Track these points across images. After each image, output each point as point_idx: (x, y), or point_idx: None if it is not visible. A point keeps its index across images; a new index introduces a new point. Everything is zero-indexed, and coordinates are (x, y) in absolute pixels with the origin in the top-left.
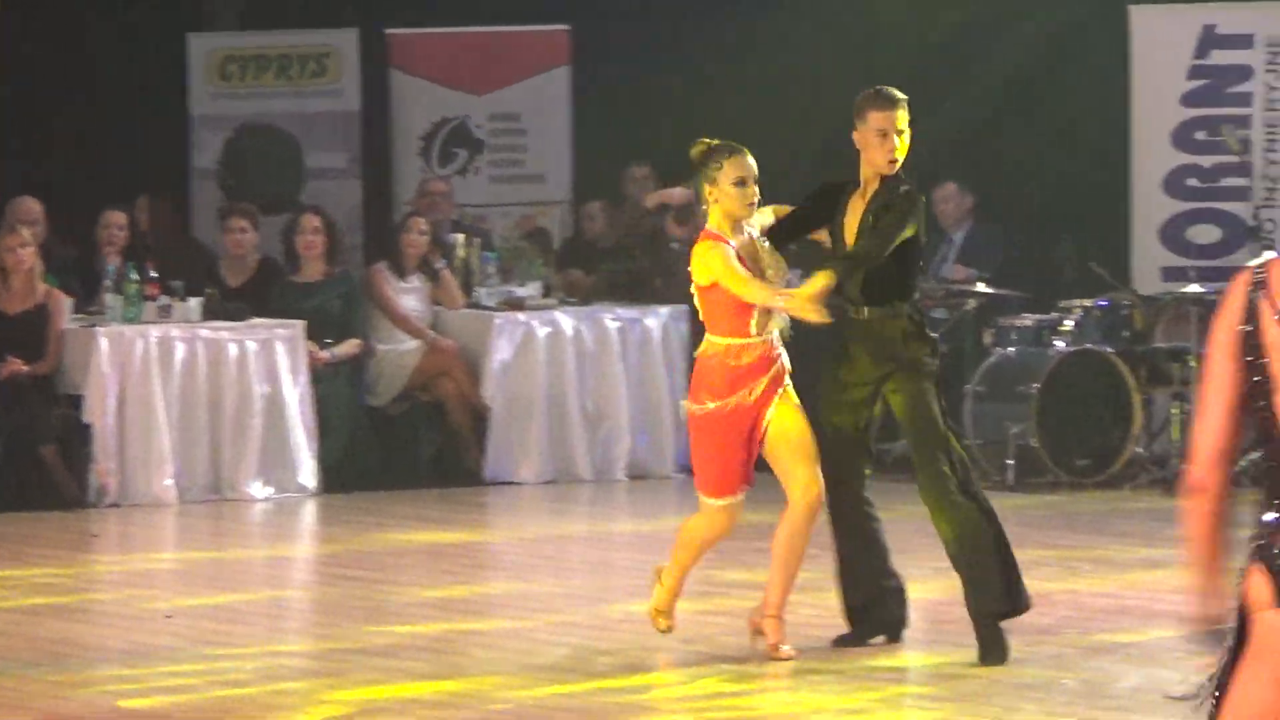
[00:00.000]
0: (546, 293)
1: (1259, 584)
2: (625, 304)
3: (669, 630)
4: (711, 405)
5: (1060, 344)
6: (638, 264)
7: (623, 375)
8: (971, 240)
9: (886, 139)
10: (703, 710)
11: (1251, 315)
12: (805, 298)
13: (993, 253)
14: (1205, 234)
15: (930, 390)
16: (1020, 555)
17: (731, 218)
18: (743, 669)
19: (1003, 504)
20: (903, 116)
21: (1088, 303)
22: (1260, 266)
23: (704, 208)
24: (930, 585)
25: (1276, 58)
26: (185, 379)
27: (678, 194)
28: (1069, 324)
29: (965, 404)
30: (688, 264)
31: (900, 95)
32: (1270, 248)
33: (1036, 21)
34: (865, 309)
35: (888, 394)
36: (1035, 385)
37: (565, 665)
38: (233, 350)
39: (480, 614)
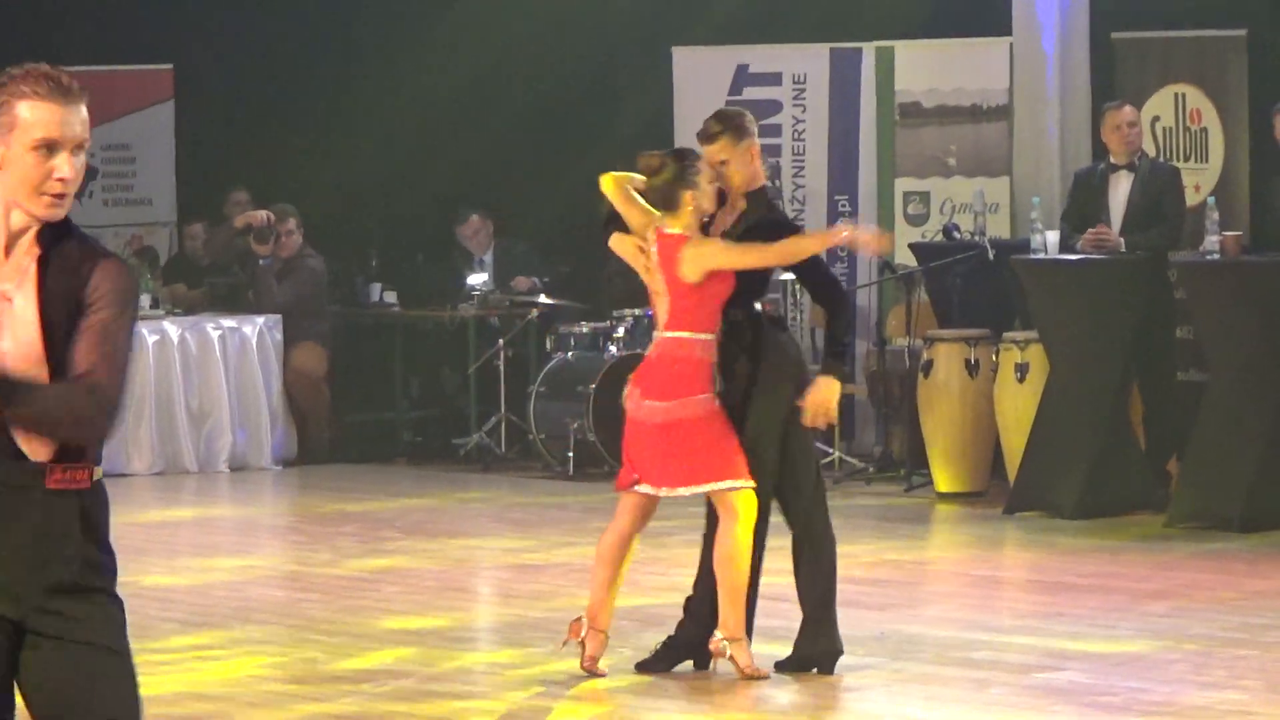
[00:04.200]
0: (155, 304)
1: None
2: (225, 314)
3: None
4: (706, 396)
5: (613, 349)
6: (234, 279)
7: (223, 377)
8: (500, 257)
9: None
10: (289, 669)
11: None
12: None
13: (528, 262)
14: None
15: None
16: (585, 542)
17: (701, 214)
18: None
19: (565, 493)
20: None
21: (637, 312)
22: None
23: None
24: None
25: (801, 94)
26: None
27: (259, 217)
28: (621, 331)
29: (530, 403)
30: (275, 278)
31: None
32: None
33: (583, 59)
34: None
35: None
36: (592, 385)
37: (171, 634)
38: None
39: None
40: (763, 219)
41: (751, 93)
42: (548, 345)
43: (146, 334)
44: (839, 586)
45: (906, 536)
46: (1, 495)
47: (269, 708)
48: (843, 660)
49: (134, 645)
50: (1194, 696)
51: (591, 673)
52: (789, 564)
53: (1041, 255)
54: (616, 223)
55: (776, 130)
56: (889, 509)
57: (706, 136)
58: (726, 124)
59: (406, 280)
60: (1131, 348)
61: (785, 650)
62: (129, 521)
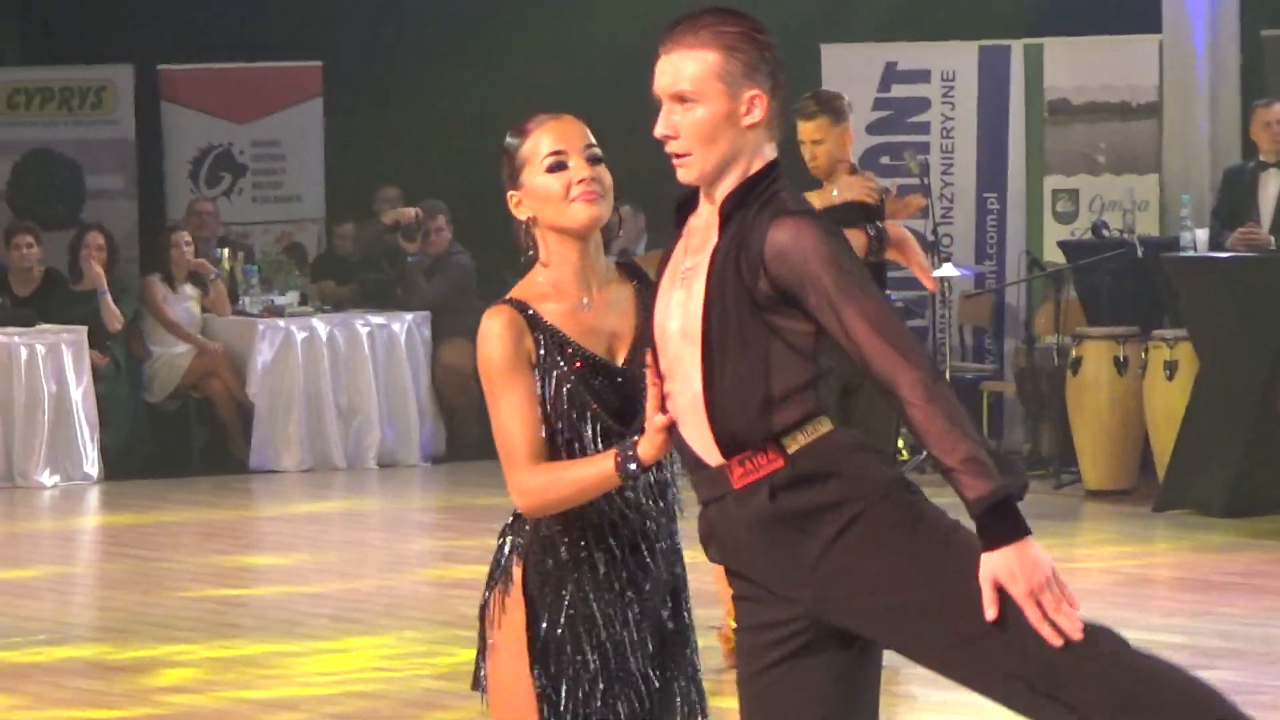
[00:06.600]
0: (303, 301)
1: None
2: (374, 310)
3: None
4: None
5: None
6: (384, 275)
7: (372, 374)
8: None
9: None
10: (440, 665)
11: None
12: None
13: None
14: None
15: None
16: None
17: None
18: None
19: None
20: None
21: None
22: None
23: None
24: None
25: (950, 91)
26: None
27: (408, 213)
28: None
29: None
30: (424, 275)
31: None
32: (948, 259)
33: None
34: None
35: None
36: None
37: (322, 631)
38: (23, 353)
39: (247, 586)
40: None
41: (900, 90)
42: None
43: (295, 330)
44: None
45: (1055, 534)
46: None
47: (420, 705)
48: None
49: (285, 642)
50: None
51: None
52: None
53: (1191, 253)
54: None
55: (925, 128)
56: (1037, 506)
57: (805, 114)
58: (825, 105)
59: None
60: None
61: None
62: (278, 517)
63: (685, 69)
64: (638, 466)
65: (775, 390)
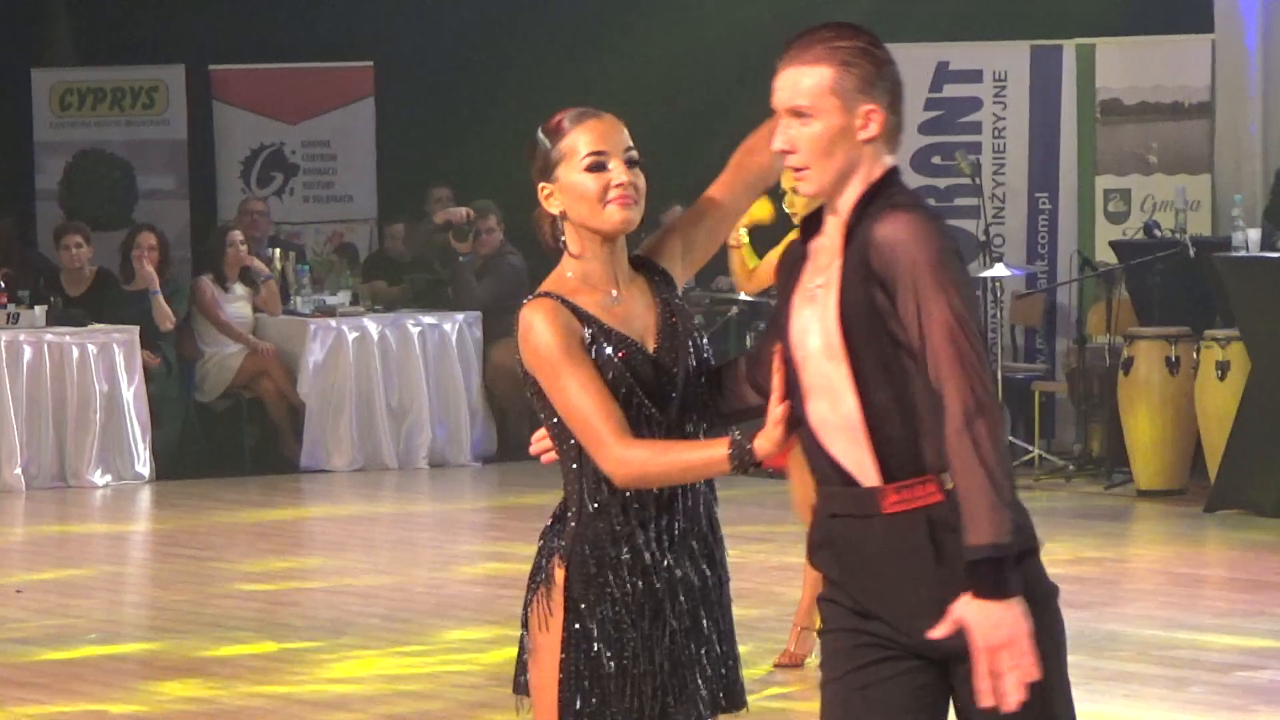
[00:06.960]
0: (355, 301)
1: None
2: (425, 311)
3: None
4: None
5: None
6: (435, 275)
7: (423, 374)
8: None
9: None
10: (490, 665)
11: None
12: None
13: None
14: None
15: None
16: (781, 538)
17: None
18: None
19: (763, 487)
20: None
21: None
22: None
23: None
24: None
25: (1002, 91)
26: (32, 379)
27: (459, 214)
28: None
29: None
30: (475, 275)
31: None
32: (999, 259)
33: None
34: None
35: None
36: None
37: (373, 631)
38: (74, 353)
39: (298, 585)
40: None
41: (952, 90)
42: (748, 343)
43: (347, 330)
44: None
45: (1106, 534)
46: None
47: (471, 705)
48: None
49: (335, 641)
50: None
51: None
52: None
53: (1243, 253)
54: None
55: (977, 128)
56: (1089, 506)
57: None
58: None
59: None
60: None
61: None
62: (329, 517)
63: (801, 84)
64: (751, 460)
65: (923, 412)
